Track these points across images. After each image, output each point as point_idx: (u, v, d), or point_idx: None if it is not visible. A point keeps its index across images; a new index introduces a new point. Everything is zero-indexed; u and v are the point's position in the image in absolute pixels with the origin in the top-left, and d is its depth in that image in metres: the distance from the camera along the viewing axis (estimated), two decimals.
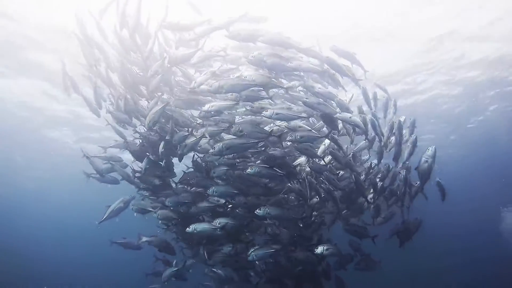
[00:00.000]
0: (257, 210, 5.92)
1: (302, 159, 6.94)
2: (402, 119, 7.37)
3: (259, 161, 6.42)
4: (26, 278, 28.38)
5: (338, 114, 5.83)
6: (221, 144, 5.56)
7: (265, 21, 6.92)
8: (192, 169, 7.07)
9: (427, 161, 6.46)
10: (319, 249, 6.21)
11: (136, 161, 7.54)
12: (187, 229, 6.04)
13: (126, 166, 7.77)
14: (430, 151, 6.52)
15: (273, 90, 6.59)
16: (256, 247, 6.31)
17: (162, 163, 7.16)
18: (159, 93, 6.71)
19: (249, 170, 5.87)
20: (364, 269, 8.00)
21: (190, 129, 6.48)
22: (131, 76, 6.80)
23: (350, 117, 5.91)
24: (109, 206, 7.54)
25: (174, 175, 7.30)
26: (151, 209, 6.89)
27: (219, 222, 6.07)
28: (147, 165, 6.94)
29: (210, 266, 7.56)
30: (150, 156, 7.16)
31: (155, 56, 6.85)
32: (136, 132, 7.32)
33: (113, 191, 8.31)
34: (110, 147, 7.88)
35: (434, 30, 12.43)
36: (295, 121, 5.95)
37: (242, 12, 6.44)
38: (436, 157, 6.59)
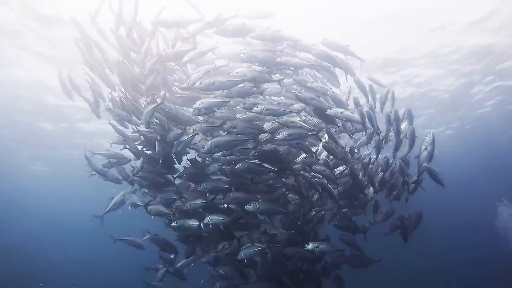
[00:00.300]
0: (247, 206, 5.90)
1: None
2: (401, 112, 7.33)
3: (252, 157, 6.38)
4: (25, 276, 28.39)
5: (328, 110, 5.78)
6: (209, 142, 5.57)
7: (271, 16, 6.87)
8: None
9: (426, 148, 6.45)
10: (310, 246, 6.20)
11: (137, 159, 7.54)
12: (172, 224, 6.05)
13: (129, 161, 7.75)
14: (428, 138, 6.51)
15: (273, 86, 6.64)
16: (246, 245, 6.34)
17: (159, 161, 7.15)
18: (154, 92, 6.70)
19: (238, 165, 5.86)
20: (357, 266, 7.97)
21: (183, 127, 6.47)
22: (130, 75, 6.80)
23: (341, 112, 5.84)
24: (112, 199, 7.59)
25: (174, 172, 7.29)
26: (140, 204, 6.88)
27: (210, 218, 6.07)
28: (143, 163, 6.96)
29: (211, 265, 7.57)
30: (151, 154, 7.16)
31: (153, 55, 6.83)
32: (137, 130, 7.31)
33: (113, 186, 8.33)
34: (113, 143, 7.84)
35: (433, 20, 12.35)
36: (286, 116, 5.92)
37: (236, 10, 6.32)
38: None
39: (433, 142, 6.52)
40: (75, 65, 7.75)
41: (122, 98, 7.03)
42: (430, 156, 6.50)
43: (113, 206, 7.52)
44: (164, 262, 8.65)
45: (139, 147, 7.35)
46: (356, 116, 6.08)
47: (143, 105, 6.88)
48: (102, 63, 7.13)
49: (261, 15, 6.81)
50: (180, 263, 8.35)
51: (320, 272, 7.83)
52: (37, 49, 12.83)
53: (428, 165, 6.59)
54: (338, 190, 7.32)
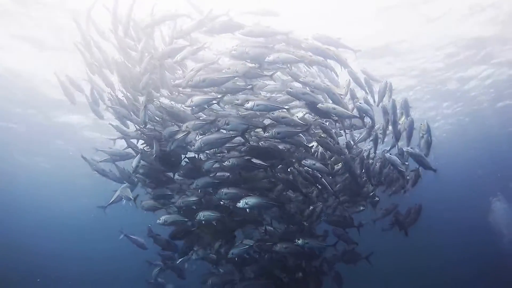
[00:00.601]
0: (237, 203, 5.87)
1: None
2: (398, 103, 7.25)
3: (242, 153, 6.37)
4: (23, 273, 28.40)
5: (320, 105, 5.75)
6: (199, 140, 5.59)
7: (276, 15, 6.88)
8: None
9: (423, 137, 6.38)
10: (300, 241, 6.20)
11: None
12: (158, 221, 6.11)
13: (131, 157, 7.75)
14: (424, 126, 6.45)
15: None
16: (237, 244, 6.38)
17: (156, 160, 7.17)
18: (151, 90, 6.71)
19: (226, 162, 5.86)
20: (348, 262, 7.99)
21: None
22: (129, 74, 6.80)
23: (333, 108, 5.80)
24: (116, 191, 7.75)
25: (177, 169, 7.29)
26: (131, 198, 6.98)
27: (203, 214, 6.09)
28: (139, 162, 7.01)
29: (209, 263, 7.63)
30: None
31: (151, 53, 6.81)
32: (138, 129, 7.33)
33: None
34: (116, 139, 7.86)
35: (431, 11, 12.20)
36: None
37: (227, 9, 6.23)
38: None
39: (428, 130, 6.46)
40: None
41: (122, 97, 7.06)
42: (428, 144, 6.42)
43: (116, 198, 7.70)
44: (163, 259, 8.72)
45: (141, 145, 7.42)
46: (348, 111, 6.03)
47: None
48: (102, 62, 7.14)
49: (264, 12, 6.83)
50: (178, 261, 8.44)
51: (320, 271, 7.86)
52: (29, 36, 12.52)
53: (411, 150, 6.43)
54: (333, 182, 7.32)
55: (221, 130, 5.91)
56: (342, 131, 7.05)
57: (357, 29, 11.88)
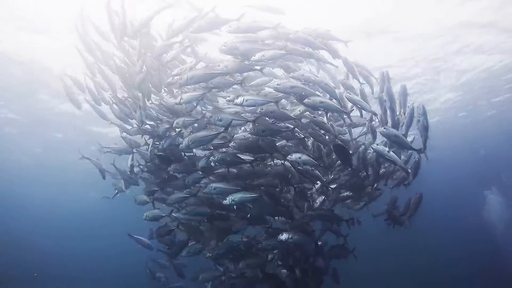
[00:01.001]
0: (224, 201, 5.91)
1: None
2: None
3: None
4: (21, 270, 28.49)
5: (306, 100, 5.78)
6: (187, 138, 5.69)
7: (281, 13, 6.90)
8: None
9: (419, 120, 6.25)
10: (284, 236, 6.22)
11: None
12: (142, 216, 6.24)
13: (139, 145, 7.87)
14: (420, 109, 6.28)
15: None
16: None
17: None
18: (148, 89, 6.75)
19: (212, 158, 5.93)
20: (336, 257, 7.99)
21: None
22: (129, 74, 6.86)
23: (321, 102, 5.79)
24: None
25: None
26: (124, 190, 7.12)
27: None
28: (132, 161, 7.15)
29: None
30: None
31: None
32: (139, 128, 7.41)
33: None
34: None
35: None
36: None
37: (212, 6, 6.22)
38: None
39: (424, 113, 6.29)
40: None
41: (124, 97, 7.16)
42: (425, 128, 6.28)
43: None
44: (168, 256, 8.82)
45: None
46: (335, 104, 6.01)
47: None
48: (103, 63, 7.20)
49: (266, 8, 6.83)
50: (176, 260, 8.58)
51: (319, 268, 7.86)
52: None
53: (385, 130, 6.23)
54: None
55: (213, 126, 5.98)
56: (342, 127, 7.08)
57: (352, 14, 11.74)
